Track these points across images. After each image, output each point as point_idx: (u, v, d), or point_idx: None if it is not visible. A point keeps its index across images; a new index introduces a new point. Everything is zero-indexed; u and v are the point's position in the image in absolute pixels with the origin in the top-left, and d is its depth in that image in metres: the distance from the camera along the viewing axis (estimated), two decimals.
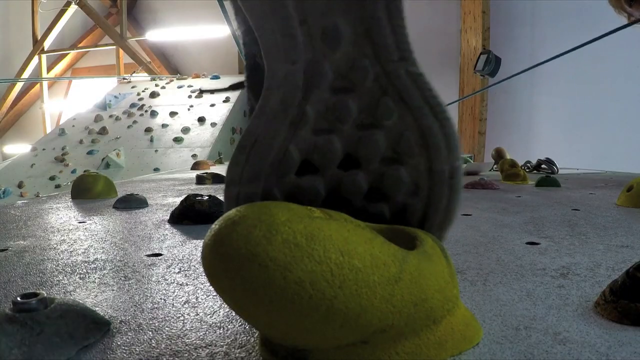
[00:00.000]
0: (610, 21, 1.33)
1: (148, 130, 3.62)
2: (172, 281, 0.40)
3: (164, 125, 3.66)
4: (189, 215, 0.67)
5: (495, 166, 1.81)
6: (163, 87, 4.38)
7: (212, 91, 1.15)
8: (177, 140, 3.46)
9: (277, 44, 0.28)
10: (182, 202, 0.70)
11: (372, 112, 0.29)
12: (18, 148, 5.72)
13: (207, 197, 0.70)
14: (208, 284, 0.37)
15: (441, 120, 0.29)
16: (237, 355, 0.26)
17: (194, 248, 0.52)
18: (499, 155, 1.86)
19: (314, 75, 0.28)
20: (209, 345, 0.27)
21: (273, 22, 0.28)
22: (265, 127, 0.28)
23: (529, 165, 1.78)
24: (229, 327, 0.30)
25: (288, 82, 0.28)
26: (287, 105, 0.28)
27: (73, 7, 5.68)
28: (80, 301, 0.33)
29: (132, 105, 4.08)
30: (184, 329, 0.30)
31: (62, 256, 0.49)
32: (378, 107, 0.29)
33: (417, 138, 0.29)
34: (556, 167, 1.69)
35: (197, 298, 0.36)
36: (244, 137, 0.29)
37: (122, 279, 0.41)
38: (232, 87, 1.05)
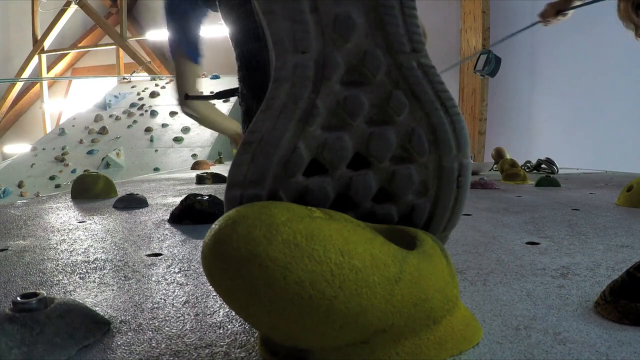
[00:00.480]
0: (609, 21, 1.33)
1: (148, 130, 3.62)
2: (172, 281, 0.40)
3: (164, 125, 3.66)
4: (188, 215, 0.68)
5: (495, 166, 1.81)
6: (163, 87, 4.38)
7: (197, 97, 1.13)
8: (177, 140, 3.46)
9: (288, 31, 0.27)
10: (182, 201, 0.70)
11: (382, 107, 0.28)
12: (18, 148, 5.72)
13: (207, 197, 0.70)
14: (208, 283, 0.37)
15: (452, 116, 0.28)
16: (237, 355, 0.26)
17: (194, 248, 0.52)
18: (499, 155, 1.86)
19: (325, 66, 0.27)
20: (209, 345, 0.27)
21: (283, 8, 0.27)
22: (273, 121, 0.26)
23: (529, 165, 1.78)
24: (229, 327, 0.30)
25: (298, 73, 0.27)
26: (296, 98, 0.27)
27: (73, 7, 5.68)
28: (80, 301, 0.33)
29: (132, 105, 4.08)
30: (184, 329, 0.30)
31: (62, 256, 0.49)
32: (389, 101, 0.28)
33: (428, 134, 0.28)
34: (556, 167, 1.69)
35: (197, 298, 0.36)
36: (249, 133, 0.27)
37: (122, 278, 0.41)
38: (219, 95, 1.04)
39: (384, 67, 0.28)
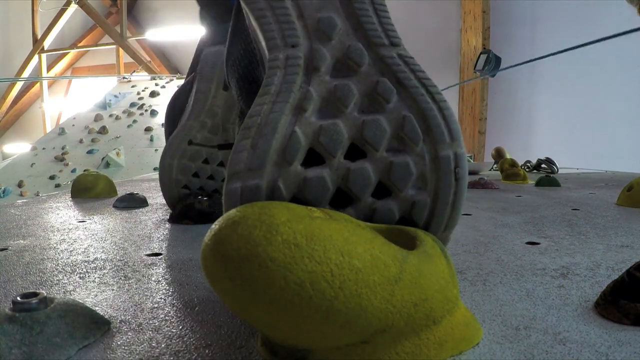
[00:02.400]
0: (610, 22, 1.33)
1: (148, 129, 3.62)
2: (172, 281, 0.40)
3: (164, 125, 3.66)
4: (188, 215, 0.68)
5: (495, 166, 1.81)
6: (163, 87, 4.38)
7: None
8: None
9: (278, 30, 0.30)
10: (182, 201, 0.70)
11: (372, 96, 0.30)
12: (18, 147, 5.72)
13: (206, 197, 0.70)
14: (208, 283, 0.37)
15: (439, 102, 0.30)
16: (237, 355, 0.26)
17: (194, 248, 0.52)
18: (498, 154, 1.86)
19: (314, 58, 0.30)
20: (209, 345, 0.27)
21: (273, 14, 0.31)
22: (270, 105, 0.28)
23: (528, 165, 1.78)
24: (229, 327, 0.30)
25: (290, 62, 0.30)
26: (290, 84, 0.29)
27: (73, 7, 5.68)
28: (80, 301, 0.33)
29: (132, 105, 4.08)
30: (184, 329, 0.30)
31: (62, 255, 0.49)
32: (377, 88, 0.30)
33: (419, 121, 0.29)
34: (556, 166, 1.69)
35: (197, 298, 0.36)
36: (248, 118, 0.28)
37: (122, 278, 0.41)
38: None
39: (367, 59, 0.31)
